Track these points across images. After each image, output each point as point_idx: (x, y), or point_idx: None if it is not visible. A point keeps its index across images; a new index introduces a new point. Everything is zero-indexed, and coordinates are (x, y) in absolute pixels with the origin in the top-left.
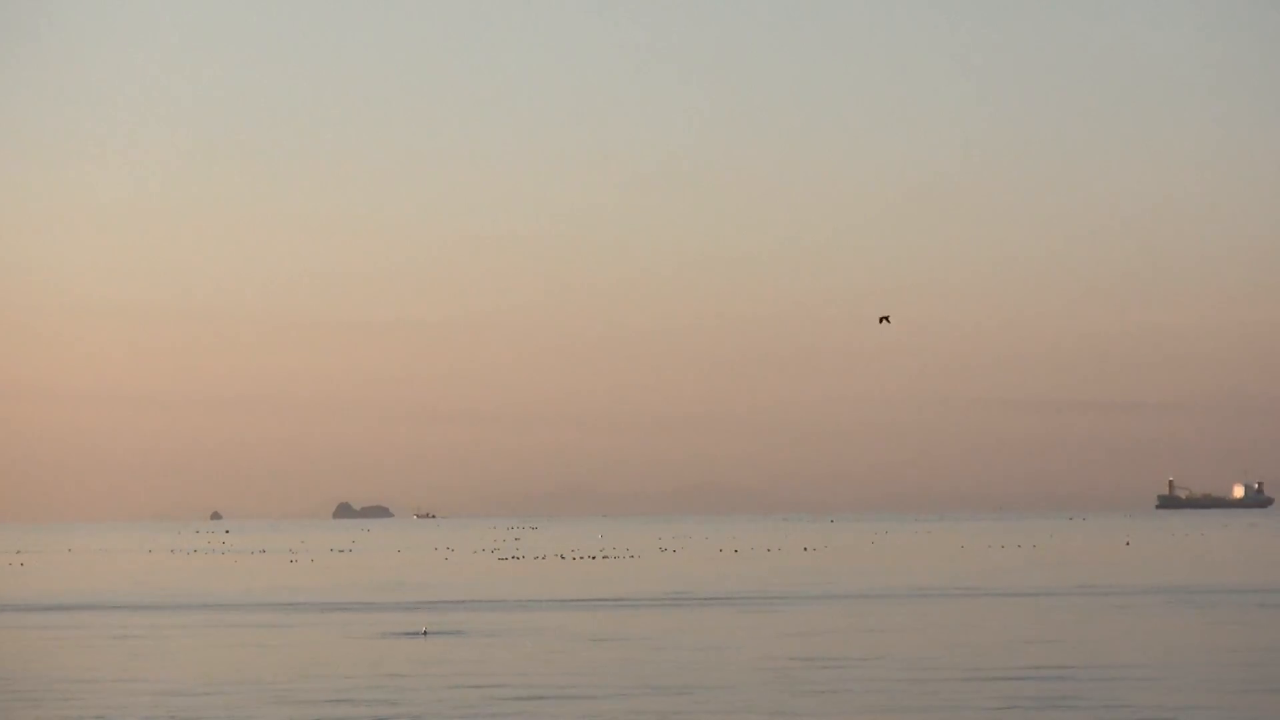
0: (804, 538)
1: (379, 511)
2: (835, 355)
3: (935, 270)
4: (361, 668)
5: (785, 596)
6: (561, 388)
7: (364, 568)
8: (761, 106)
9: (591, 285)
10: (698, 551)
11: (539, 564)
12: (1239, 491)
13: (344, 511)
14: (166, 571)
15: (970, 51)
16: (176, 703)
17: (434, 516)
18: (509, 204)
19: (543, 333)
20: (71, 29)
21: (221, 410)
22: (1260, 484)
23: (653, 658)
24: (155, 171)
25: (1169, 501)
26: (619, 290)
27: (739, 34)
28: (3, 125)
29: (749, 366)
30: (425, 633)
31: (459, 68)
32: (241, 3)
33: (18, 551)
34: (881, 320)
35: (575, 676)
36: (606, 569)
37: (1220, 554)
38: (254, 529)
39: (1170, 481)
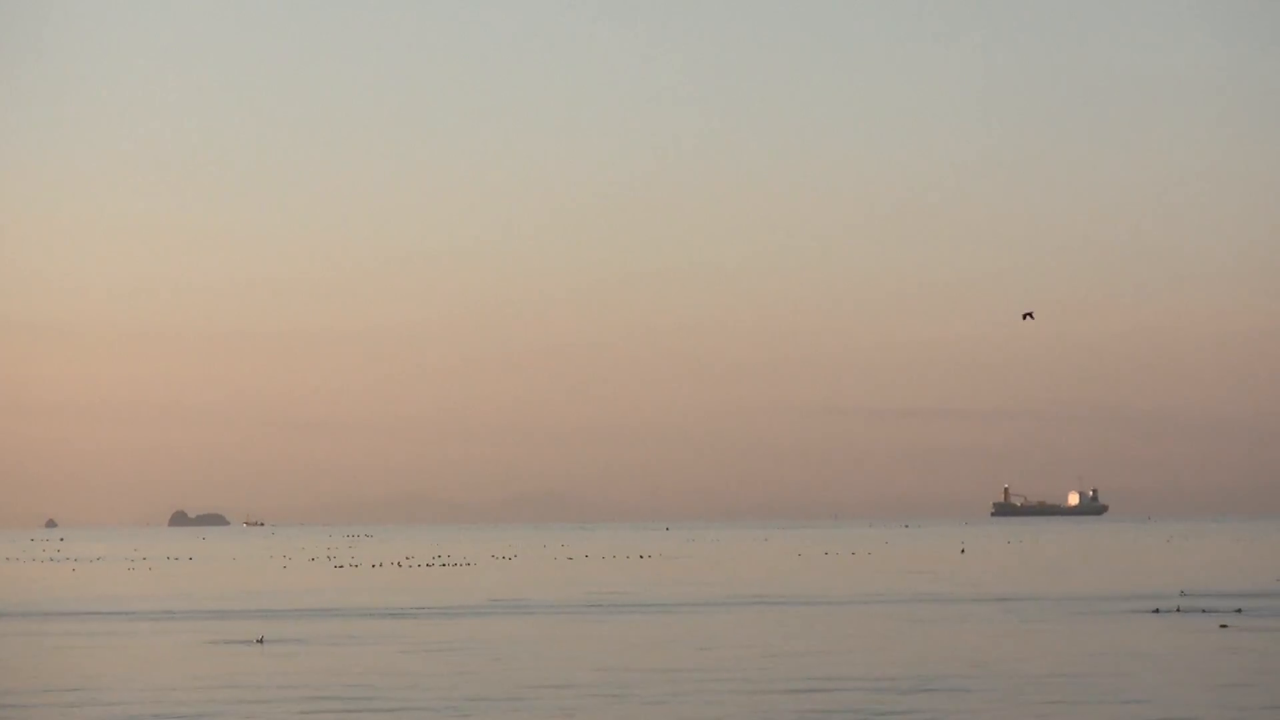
0: (640, 546)
1: (214, 519)
2: (672, 365)
3: (771, 281)
4: (190, 676)
5: (622, 605)
6: (393, 397)
7: (201, 576)
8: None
9: (425, 299)
10: (534, 559)
11: (376, 572)
12: (1074, 499)
13: (180, 519)
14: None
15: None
16: None
17: (263, 524)
18: (369, 223)
19: (376, 344)
20: None
21: (56, 417)
22: (1095, 491)
23: (489, 667)
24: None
25: (1004, 509)
26: (452, 303)
27: (654, 73)
28: None
29: (586, 377)
30: (261, 641)
31: (385, 90)
32: (172, 21)
33: None
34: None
35: (410, 685)
36: (443, 577)
37: (1052, 562)
38: (90, 536)
39: (1006, 489)
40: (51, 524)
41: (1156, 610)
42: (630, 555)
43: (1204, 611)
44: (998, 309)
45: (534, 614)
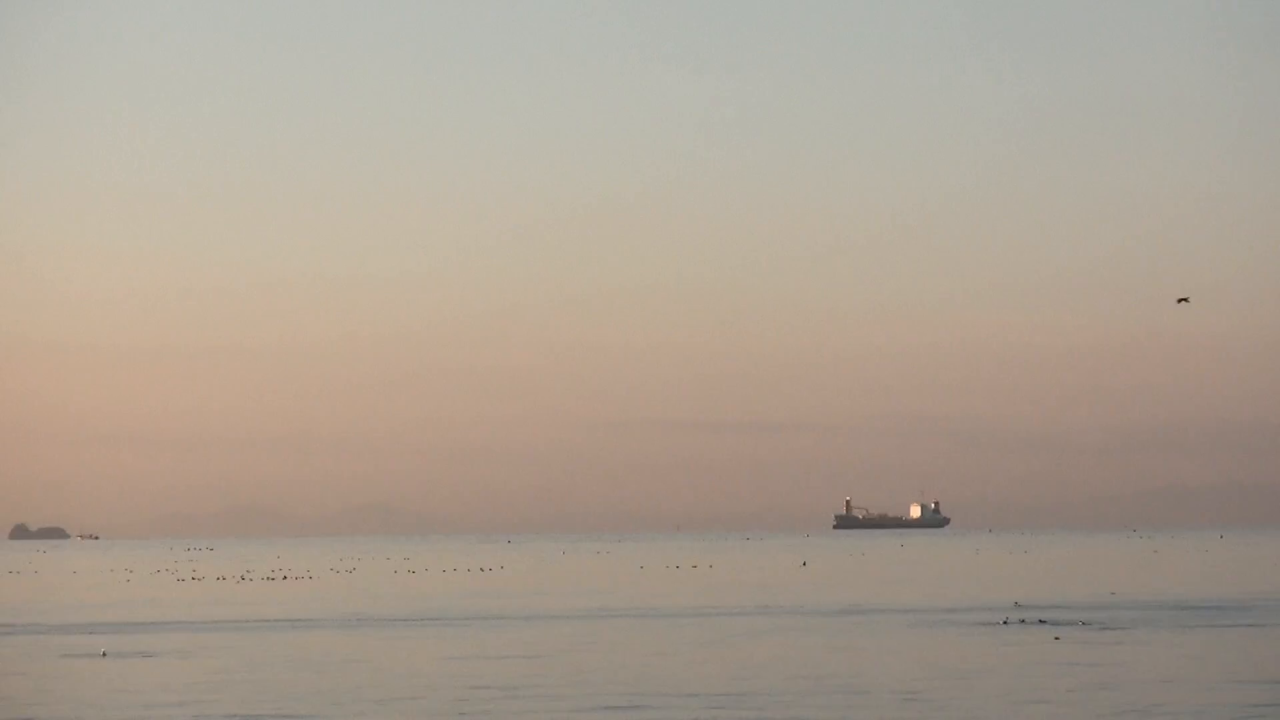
0: (481, 558)
1: (55, 533)
2: (516, 376)
3: (612, 292)
4: (29, 691)
5: (461, 618)
6: (231, 412)
7: (42, 589)
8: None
9: (264, 320)
10: (373, 572)
11: (219, 585)
12: (916, 511)
13: (20, 533)
14: None
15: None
16: None
17: (97, 538)
18: (227, 245)
19: (214, 357)
20: None
21: None
22: (937, 504)
23: (328, 681)
24: None
25: (846, 521)
26: (292, 324)
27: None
28: None
29: (425, 386)
30: (104, 654)
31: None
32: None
33: None
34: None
35: (252, 699)
36: (285, 589)
37: (893, 574)
38: None
39: (847, 501)
40: None
41: (1004, 621)
42: (470, 568)
43: (1041, 623)
44: (839, 320)
45: (375, 627)
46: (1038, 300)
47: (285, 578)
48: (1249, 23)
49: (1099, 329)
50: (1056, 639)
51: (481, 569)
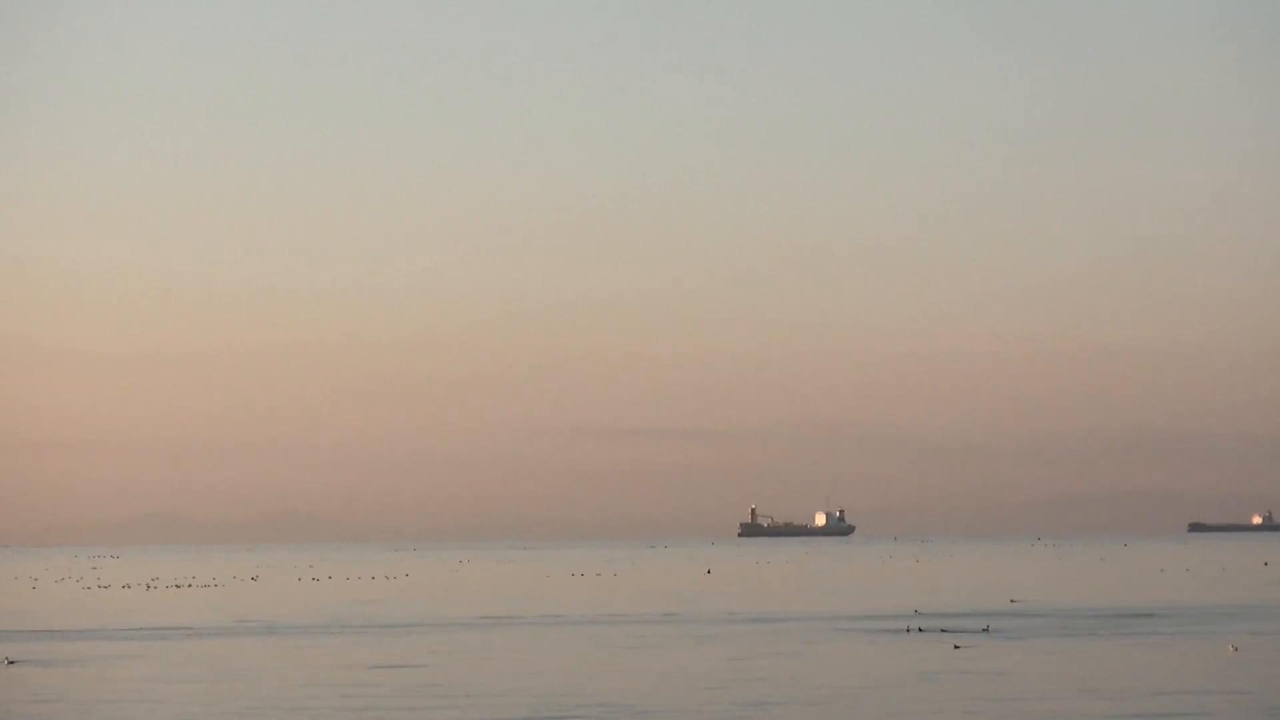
0: (387, 566)
1: None
2: (418, 385)
3: (517, 300)
4: None
5: (365, 625)
6: (139, 417)
7: None
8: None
9: (176, 325)
10: (281, 580)
11: (125, 593)
12: (821, 519)
13: None
14: None
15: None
16: None
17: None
18: (145, 250)
19: (122, 361)
20: None
21: None
22: (842, 512)
23: (235, 689)
24: None
25: (751, 529)
26: (205, 328)
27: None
28: None
29: (339, 396)
30: (9, 662)
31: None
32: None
33: None
34: None
35: (159, 709)
36: (193, 598)
37: (798, 582)
38: None
39: (753, 510)
40: None
41: (908, 630)
42: (376, 576)
43: (943, 631)
44: (744, 329)
45: (279, 635)
46: (942, 310)
47: (191, 586)
48: (1251, 28)
49: (1003, 339)
50: (956, 648)
51: (387, 577)
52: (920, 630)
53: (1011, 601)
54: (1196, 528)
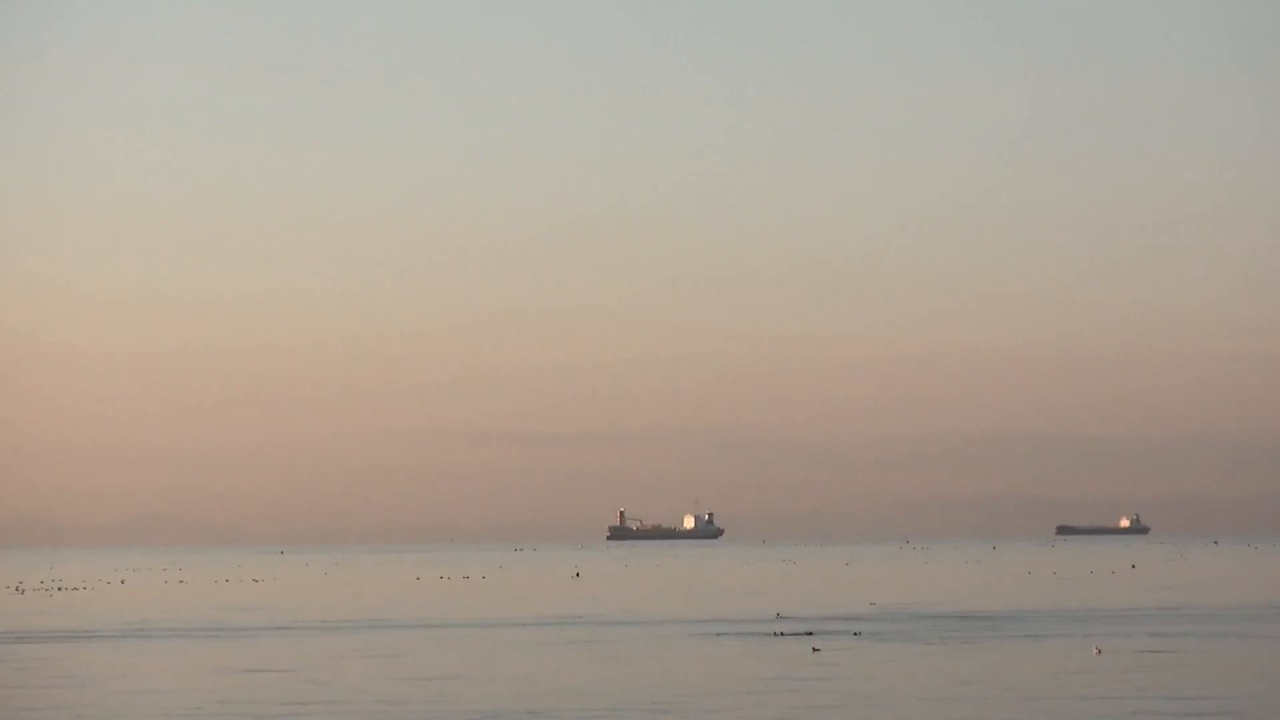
0: (255, 570)
1: None
2: (294, 387)
3: (379, 305)
4: None
5: (232, 629)
6: (4, 416)
7: None
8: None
9: (46, 324)
10: (148, 583)
11: None
12: (690, 522)
13: None
14: None
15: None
16: None
17: None
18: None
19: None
20: None
21: None
22: (710, 515)
23: (88, 697)
24: None
25: (620, 533)
26: (67, 317)
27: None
28: None
29: (207, 397)
30: None
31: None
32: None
33: None
34: None
35: (14, 716)
36: (60, 601)
37: (663, 585)
38: None
39: (621, 513)
40: None
41: (777, 634)
42: (245, 579)
43: (809, 634)
44: (612, 330)
45: (153, 640)
46: (811, 316)
47: (60, 589)
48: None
49: (871, 343)
50: (816, 650)
51: (255, 580)
52: (779, 634)
53: (871, 604)
54: (1064, 530)
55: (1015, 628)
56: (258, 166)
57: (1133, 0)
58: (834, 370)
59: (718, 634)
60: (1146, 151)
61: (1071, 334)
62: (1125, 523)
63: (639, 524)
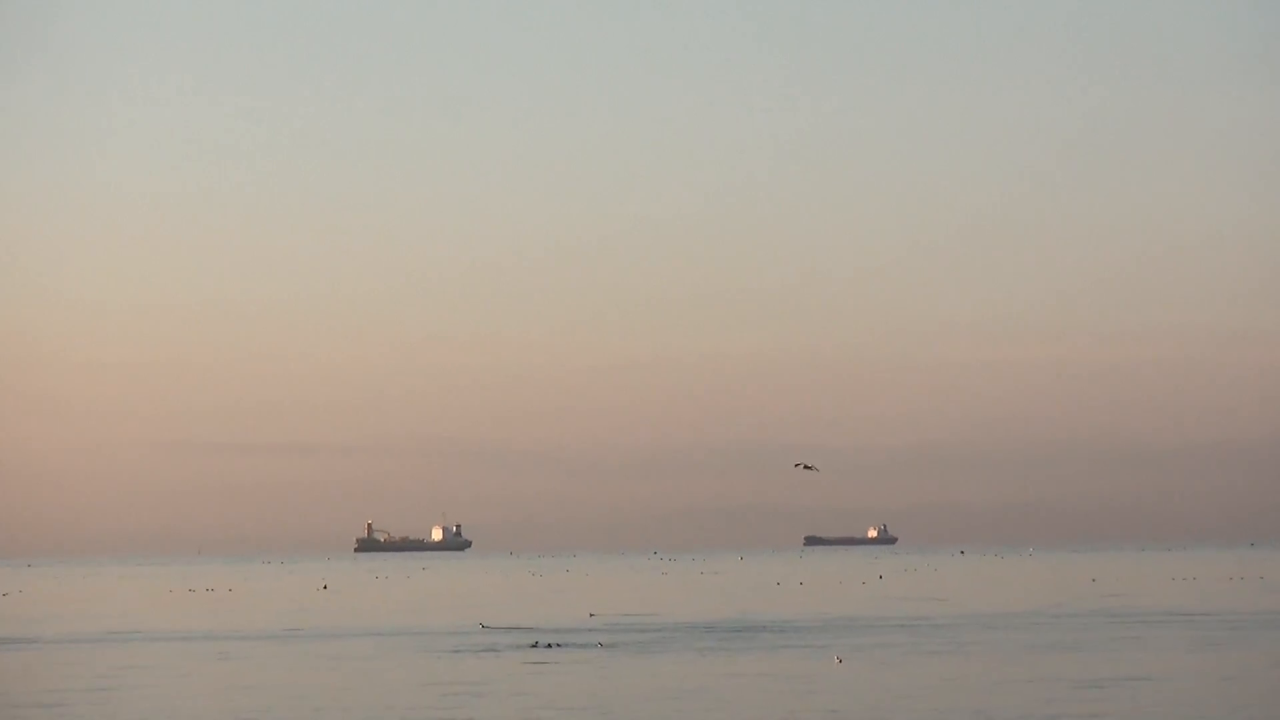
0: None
1: None
2: (17, 400)
3: (131, 317)
4: None
5: None
6: None
7: None
8: None
9: None
10: None
11: None
12: (438, 534)
13: None
14: None
15: None
16: None
17: None
18: None
19: None
20: None
21: None
22: (459, 526)
23: None
24: None
25: (368, 544)
26: None
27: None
28: None
29: None
30: None
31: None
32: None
33: None
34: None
35: None
36: None
37: (400, 597)
38: None
39: (369, 524)
40: None
41: (535, 644)
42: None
43: (550, 646)
44: (358, 342)
45: None
46: (557, 327)
47: None
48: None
49: (618, 353)
50: (534, 656)
51: (2, 594)
52: (483, 650)
53: (590, 615)
54: (812, 541)
55: (757, 639)
56: None
57: (1159, 13)
58: (579, 379)
59: (420, 647)
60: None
61: (824, 344)
62: (873, 533)
63: (387, 536)
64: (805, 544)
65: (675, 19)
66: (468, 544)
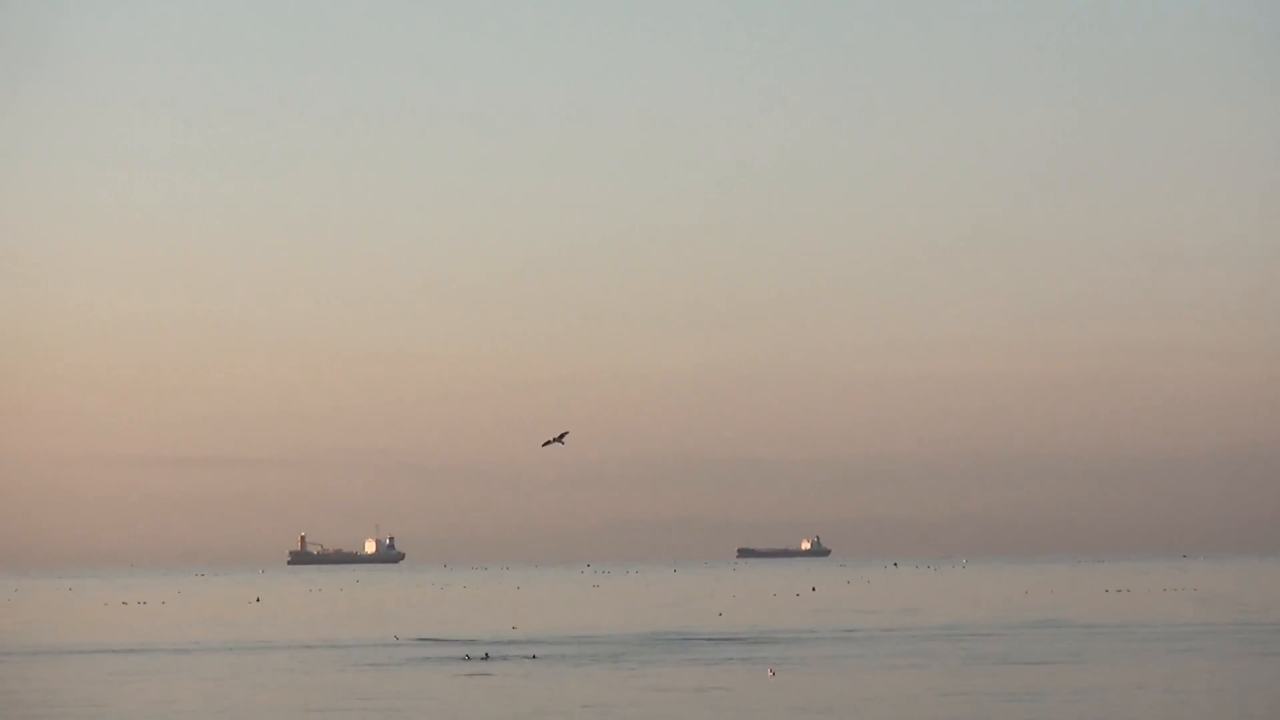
0: None
1: None
2: None
3: (108, 327)
4: None
5: None
6: None
7: None
8: None
9: None
10: None
11: None
12: (371, 546)
13: None
14: None
15: None
16: None
17: None
18: None
19: None
20: None
21: None
22: (392, 539)
23: None
24: None
25: (301, 557)
26: None
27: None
28: None
29: None
30: None
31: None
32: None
33: None
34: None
35: None
36: None
37: (343, 609)
38: None
39: (302, 537)
40: None
41: (470, 657)
42: None
43: (485, 659)
44: (288, 357)
45: None
46: (494, 342)
47: None
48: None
49: (549, 366)
50: (482, 668)
51: None
52: (430, 659)
53: (513, 628)
54: (746, 553)
55: (690, 651)
56: None
57: (1151, 25)
58: (511, 393)
59: (340, 660)
60: None
61: (741, 355)
62: (806, 545)
63: (320, 548)
64: (739, 556)
65: (667, 28)
66: (401, 556)
